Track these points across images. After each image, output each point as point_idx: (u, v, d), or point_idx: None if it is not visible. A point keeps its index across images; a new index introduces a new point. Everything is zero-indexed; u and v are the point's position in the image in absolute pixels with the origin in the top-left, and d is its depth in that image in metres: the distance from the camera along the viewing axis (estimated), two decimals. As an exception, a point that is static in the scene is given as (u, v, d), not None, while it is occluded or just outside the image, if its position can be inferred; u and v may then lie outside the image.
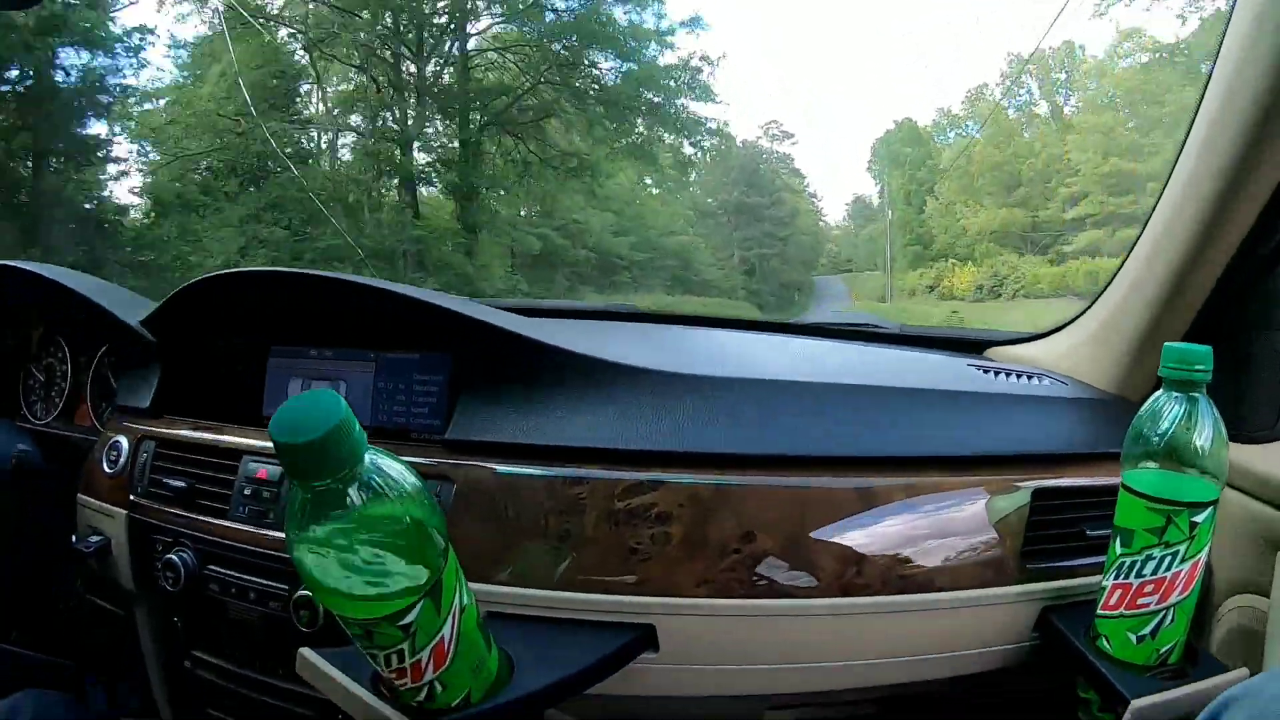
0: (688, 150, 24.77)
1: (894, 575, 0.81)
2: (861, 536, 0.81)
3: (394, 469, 0.56)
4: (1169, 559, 0.75)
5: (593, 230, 25.21)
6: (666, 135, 23.77)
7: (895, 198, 35.31)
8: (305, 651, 0.73)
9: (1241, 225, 0.85)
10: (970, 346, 1.26)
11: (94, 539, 1.11)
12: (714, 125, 23.60)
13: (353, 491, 0.53)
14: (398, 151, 18.32)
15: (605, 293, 24.50)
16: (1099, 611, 0.80)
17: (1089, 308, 1.10)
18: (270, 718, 1.05)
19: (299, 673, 0.73)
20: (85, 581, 1.23)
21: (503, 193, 22.48)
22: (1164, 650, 0.78)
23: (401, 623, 0.58)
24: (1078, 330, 1.13)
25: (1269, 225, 0.84)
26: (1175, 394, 0.74)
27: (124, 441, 1.11)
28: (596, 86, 21.71)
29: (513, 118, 20.58)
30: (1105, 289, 1.05)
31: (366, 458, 0.54)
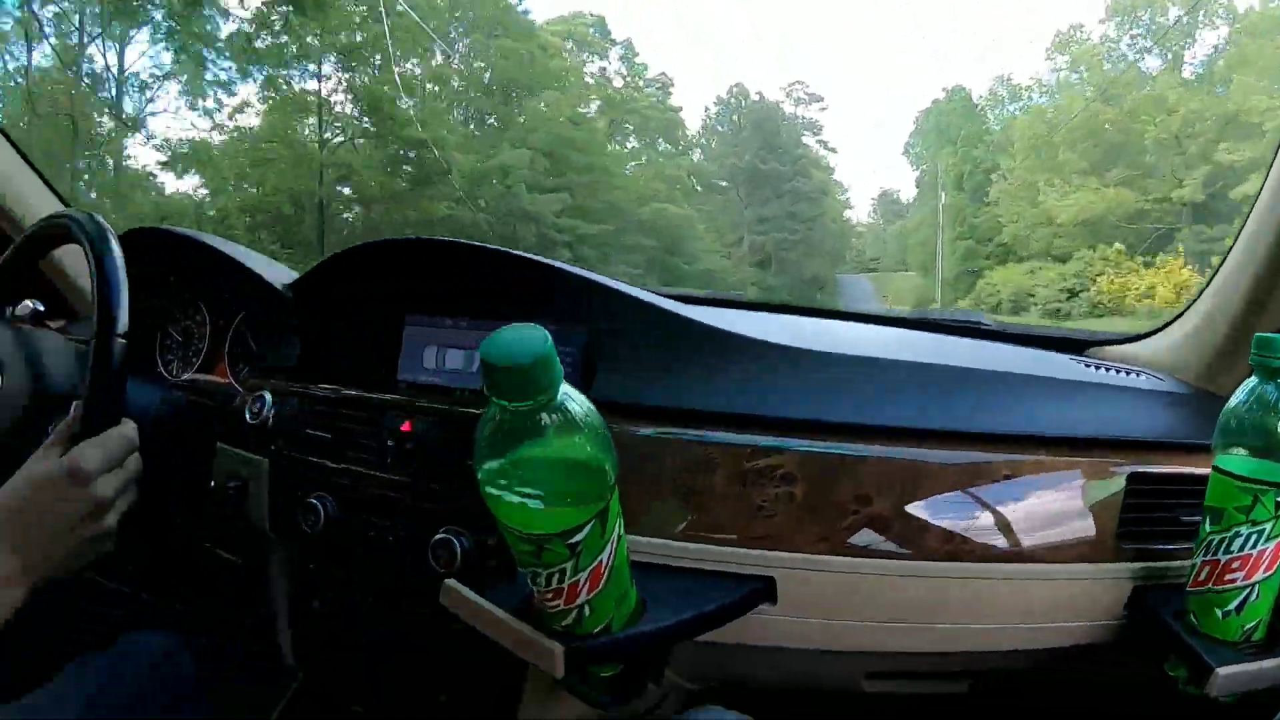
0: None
1: (996, 545, 0.90)
2: (967, 507, 0.90)
3: (581, 401, 0.66)
4: (1255, 536, 0.82)
5: (465, 171, 19.60)
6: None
7: (947, 180, 30.59)
8: (451, 582, 0.83)
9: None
10: (1071, 346, 1.32)
11: (232, 484, 1.23)
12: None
13: (545, 416, 0.63)
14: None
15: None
16: (1188, 588, 0.88)
17: (1188, 308, 1.17)
18: (398, 658, 1.18)
19: (443, 602, 0.83)
20: (213, 530, 1.36)
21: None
22: (1249, 627, 0.86)
23: (571, 540, 0.66)
24: (1175, 330, 1.20)
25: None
26: (1264, 382, 0.82)
27: (268, 396, 1.23)
28: None
29: None
30: (1204, 289, 1.12)
31: (560, 389, 0.64)
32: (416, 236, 1.18)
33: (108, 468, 0.93)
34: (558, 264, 1.09)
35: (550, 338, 0.62)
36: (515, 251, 1.12)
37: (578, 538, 0.67)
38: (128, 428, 0.97)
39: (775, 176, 33.81)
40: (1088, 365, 1.15)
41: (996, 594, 0.91)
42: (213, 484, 1.26)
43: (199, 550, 1.42)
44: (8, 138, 1.67)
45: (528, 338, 0.62)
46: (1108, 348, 1.31)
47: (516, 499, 0.65)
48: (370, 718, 1.25)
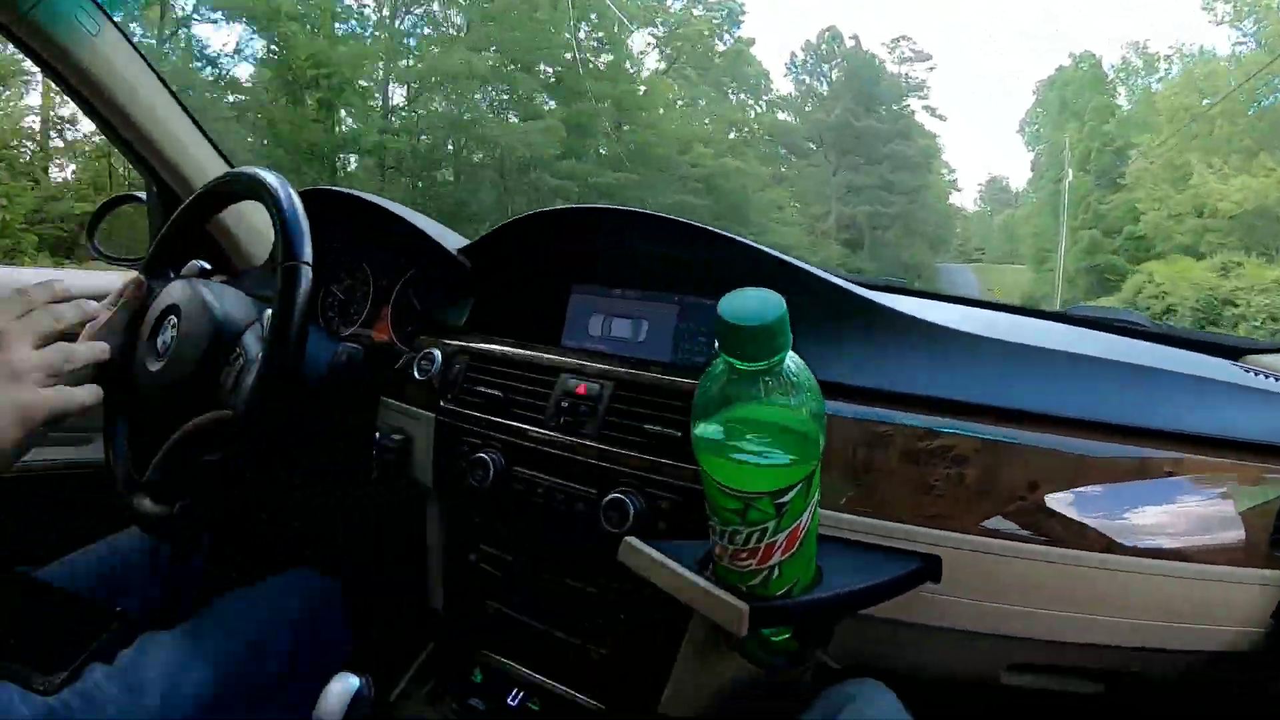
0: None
1: (1151, 541, 0.93)
2: (1129, 500, 0.94)
3: (803, 367, 0.70)
4: None
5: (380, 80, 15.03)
6: None
7: (1072, 158, 27.14)
8: (632, 540, 0.87)
9: None
10: (1228, 352, 1.32)
11: (396, 437, 1.33)
12: None
13: (771, 378, 0.67)
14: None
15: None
16: (1340, 599, 0.90)
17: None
18: (554, 609, 1.26)
19: (621, 558, 0.87)
20: (374, 481, 1.46)
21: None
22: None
23: (779, 500, 0.70)
24: (1339, 342, 1.21)
25: None
26: None
27: (437, 353, 1.32)
28: None
29: None
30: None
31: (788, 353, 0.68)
32: (588, 205, 1.27)
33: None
34: (736, 236, 1.15)
35: (783, 300, 0.67)
36: (690, 221, 1.19)
37: (785, 498, 0.71)
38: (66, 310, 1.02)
39: (871, 135, 29.85)
40: (1246, 370, 1.17)
41: (1148, 590, 0.94)
42: (377, 435, 1.35)
43: (360, 500, 1.53)
44: (179, 101, 1.79)
45: (766, 299, 0.67)
46: (1263, 356, 1.31)
47: (735, 456, 0.69)
48: (515, 671, 1.33)
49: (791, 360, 0.69)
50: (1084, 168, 26.86)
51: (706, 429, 0.70)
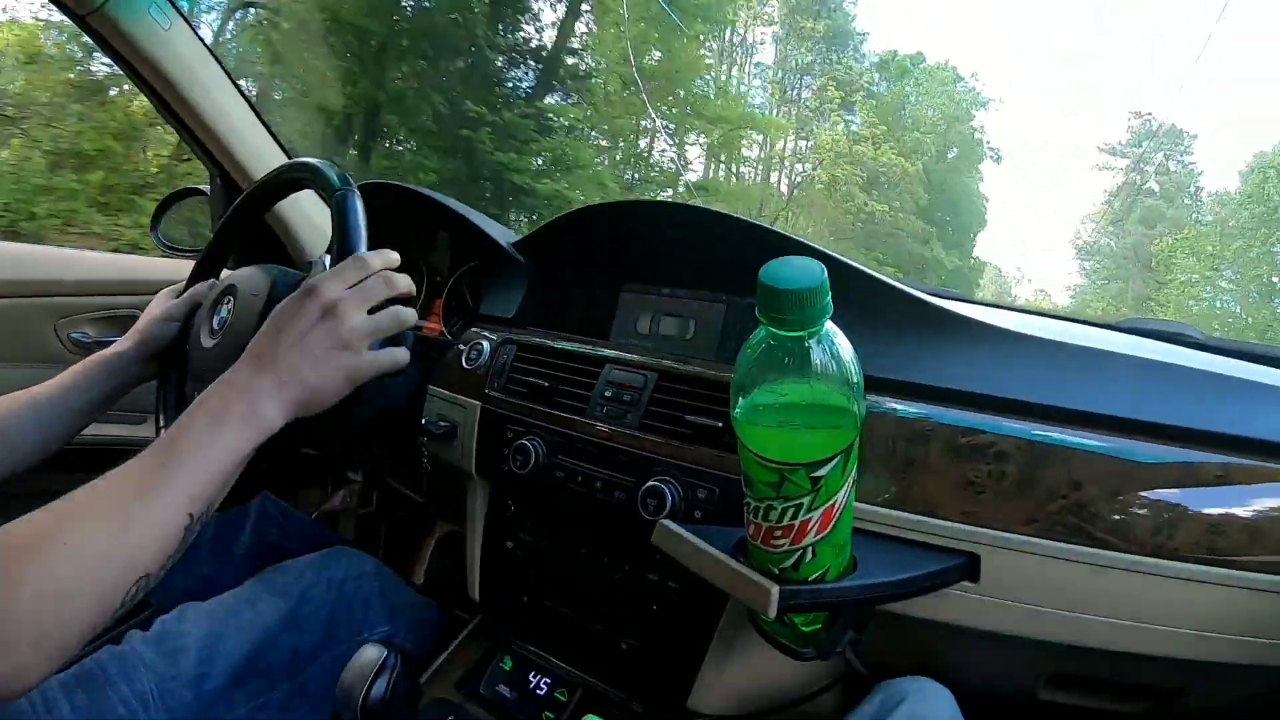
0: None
1: (1200, 546, 0.89)
2: (1177, 504, 0.90)
3: (843, 338, 0.69)
4: None
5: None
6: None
7: None
8: (667, 522, 0.86)
9: None
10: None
11: (443, 424, 1.34)
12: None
13: (811, 346, 0.66)
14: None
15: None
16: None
17: None
18: (586, 598, 1.25)
19: (655, 540, 0.86)
20: (416, 467, 1.46)
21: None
22: None
23: (815, 474, 0.69)
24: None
25: None
26: None
27: (485, 343, 1.33)
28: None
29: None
30: None
31: (826, 322, 0.67)
32: (639, 199, 1.27)
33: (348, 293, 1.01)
34: (787, 233, 1.14)
35: (826, 270, 0.66)
36: (740, 216, 1.19)
37: (822, 471, 0.70)
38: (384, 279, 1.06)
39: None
40: None
41: (1194, 597, 0.91)
42: (424, 422, 1.36)
43: (400, 484, 1.53)
44: (243, 94, 1.82)
45: (807, 266, 0.66)
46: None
47: (773, 423, 0.68)
48: (545, 660, 1.33)
49: (831, 330, 0.68)
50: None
51: (745, 395, 0.70)
